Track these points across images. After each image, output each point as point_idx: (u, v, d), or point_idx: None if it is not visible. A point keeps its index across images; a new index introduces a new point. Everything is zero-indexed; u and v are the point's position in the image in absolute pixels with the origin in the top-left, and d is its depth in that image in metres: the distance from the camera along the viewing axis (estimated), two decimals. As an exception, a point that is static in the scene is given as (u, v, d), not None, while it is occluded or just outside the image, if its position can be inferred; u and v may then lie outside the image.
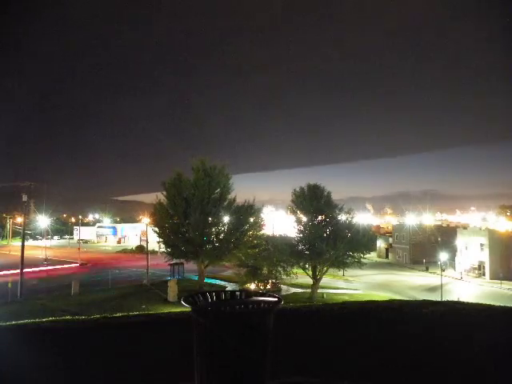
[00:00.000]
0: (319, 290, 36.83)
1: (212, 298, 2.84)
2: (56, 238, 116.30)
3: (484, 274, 58.09)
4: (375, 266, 68.11)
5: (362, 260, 37.31)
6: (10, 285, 33.24)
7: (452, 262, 64.81)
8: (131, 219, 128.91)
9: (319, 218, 37.29)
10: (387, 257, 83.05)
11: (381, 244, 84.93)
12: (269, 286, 36.94)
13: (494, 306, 8.00)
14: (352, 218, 38.62)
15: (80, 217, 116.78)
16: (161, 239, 38.40)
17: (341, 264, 36.84)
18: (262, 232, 40.61)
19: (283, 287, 39.62)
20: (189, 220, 34.13)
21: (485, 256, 58.31)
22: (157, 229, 37.53)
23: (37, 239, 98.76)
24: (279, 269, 37.29)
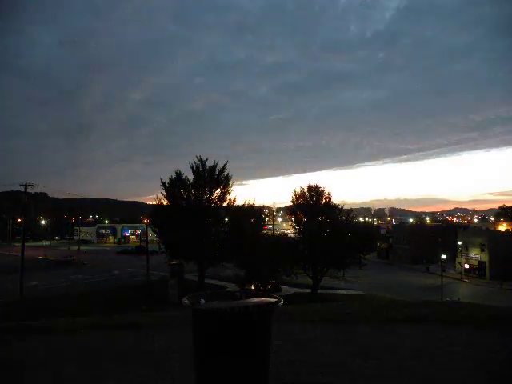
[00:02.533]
0: (319, 291, 36.82)
1: (212, 299, 2.84)
2: (56, 238, 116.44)
3: (484, 274, 58.10)
4: (375, 266, 68.12)
5: (362, 260, 37.31)
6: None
7: (452, 263, 64.83)
8: (131, 219, 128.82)
9: (319, 218, 37.29)
10: (387, 257, 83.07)
11: (381, 244, 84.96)
12: (269, 287, 36.92)
13: (494, 306, 8.00)
14: (352, 218, 38.65)
15: (80, 217, 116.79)
16: (160, 239, 38.37)
17: (341, 264, 36.85)
18: (263, 232, 40.58)
19: (283, 287, 39.59)
20: (188, 220, 34.07)
21: (485, 256, 58.34)
22: (156, 229, 37.51)
23: (37, 240, 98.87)
24: (279, 269, 37.27)
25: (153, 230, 38.58)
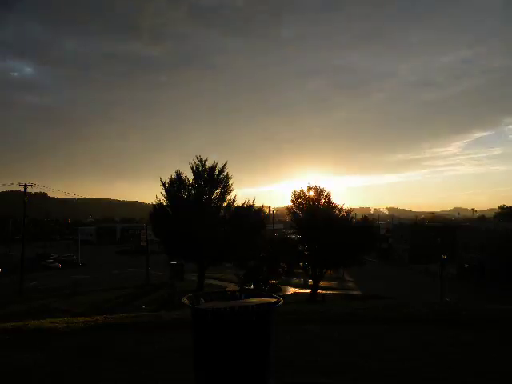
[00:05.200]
0: (319, 291, 36.82)
1: (212, 299, 2.84)
2: (58, 238, 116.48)
3: (484, 274, 58.05)
4: (375, 266, 68.19)
5: (362, 260, 37.28)
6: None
7: (452, 263, 64.80)
8: (131, 219, 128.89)
9: (319, 218, 37.23)
10: (387, 257, 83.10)
11: (380, 244, 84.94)
12: (269, 287, 36.91)
13: (494, 306, 8.01)
14: (352, 218, 38.62)
15: (80, 217, 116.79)
16: (160, 239, 38.36)
17: (341, 264, 36.83)
18: (262, 232, 40.48)
19: (283, 287, 39.60)
20: (188, 220, 34.03)
21: (484, 256, 58.29)
22: (156, 229, 37.49)
23: (37, 240, 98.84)
24: (279, 269, 37.26)
25: (153, 230, 38.60)
